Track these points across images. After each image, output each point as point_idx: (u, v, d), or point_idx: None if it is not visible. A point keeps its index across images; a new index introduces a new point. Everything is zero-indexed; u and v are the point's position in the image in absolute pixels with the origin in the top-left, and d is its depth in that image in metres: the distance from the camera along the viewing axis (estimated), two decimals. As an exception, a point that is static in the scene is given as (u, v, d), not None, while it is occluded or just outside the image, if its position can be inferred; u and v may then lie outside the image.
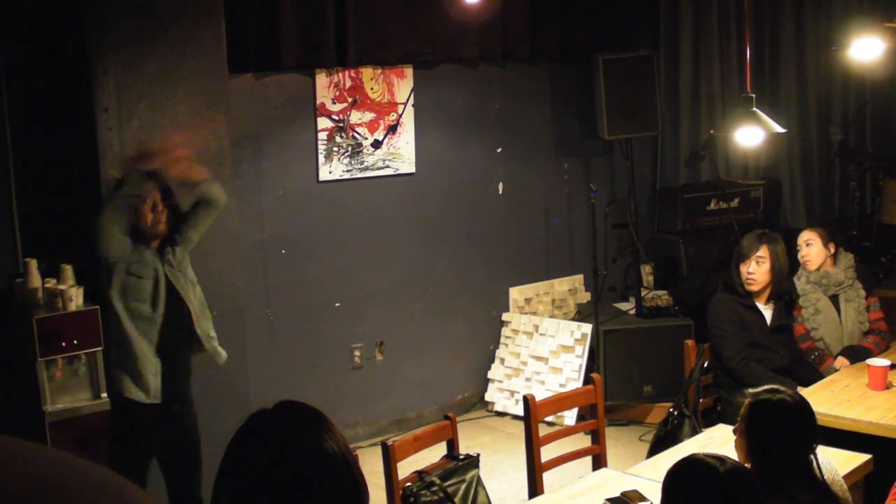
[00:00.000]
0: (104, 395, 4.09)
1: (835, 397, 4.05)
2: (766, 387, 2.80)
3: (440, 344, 6.12)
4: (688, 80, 6.66)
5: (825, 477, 2.65)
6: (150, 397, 3.85)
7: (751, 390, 2.84)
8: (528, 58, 6.22)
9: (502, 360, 6.26)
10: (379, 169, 5.74)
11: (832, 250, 4.88)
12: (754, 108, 4.30)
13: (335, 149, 5.57)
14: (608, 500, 3.10)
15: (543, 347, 6.09)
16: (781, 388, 2.76)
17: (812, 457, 2.63)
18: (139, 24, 4.28)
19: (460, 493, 3.44)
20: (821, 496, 2.60)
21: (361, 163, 5.67)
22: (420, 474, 3.40)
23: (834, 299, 4.84)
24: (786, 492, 2.56)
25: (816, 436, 2.66)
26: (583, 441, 4.06)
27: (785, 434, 2.63)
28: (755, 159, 6.78)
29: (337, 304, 5.68)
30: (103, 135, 4.24)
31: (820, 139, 7.00)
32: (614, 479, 3.34)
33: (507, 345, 6.28)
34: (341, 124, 5.57)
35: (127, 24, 4.25)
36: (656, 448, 4.14)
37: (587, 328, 5.98)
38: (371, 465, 4.32)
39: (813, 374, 4.60)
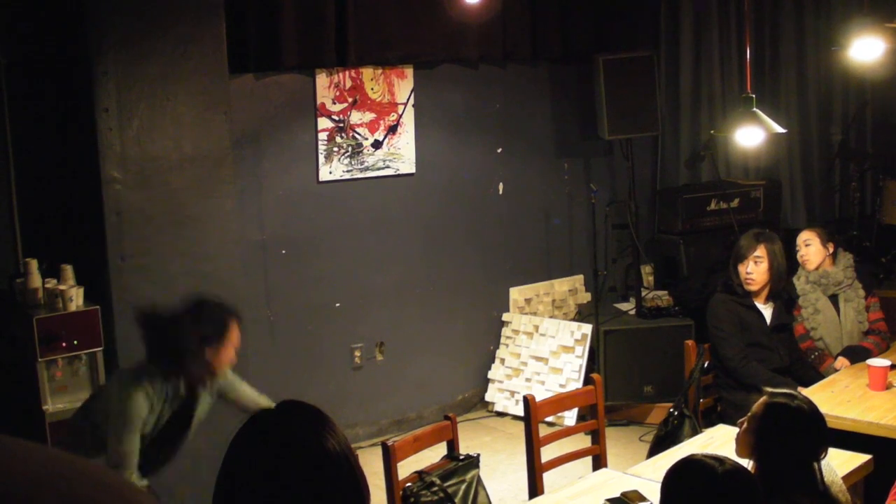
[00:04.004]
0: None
1: (835, 397, 4.04)
2: (784, 390, 2.80)
3: (440, 344, 6.12)
4: (688, 81, 6.66)
5: (825, 478, 2.65)
6: None
7: (769, 389, 2.82)
8: (529, 58, 6.22)
9: (502, 361, 6.26)
10: (379, 169, 5.74)
11: (831, 250, 4.88)
12: (754, 109, 4.30)
13: (335, 149, 5.57)
14: (608, 500, 3.10)
15: (544, 348, 6.09)
16: (799, 395, 2.75)
17: (816, 464, 2.62)
18: (139, 25, 4.28)
19: (460, 493, 3.44)
20: (820, 501, 2.60)
21: (362, 163, 5.67)
22: (420, 474, 3.40)
23: (833, 299, 4.84)
24: (785, 495, 2.56)
25: (826, 446, 2.66)
26: (583, 441, 4.06)
27: (795, 441, 2.62)
28: (755, 160, 6.78)
29: (337, 305, 5.68)
30: (103, 135, 4.24)
31: (820, 139, 7.00)
32: (614, 480, 3.34)
33: (507, 345, 6.28)
34: (341, 124, 5.57)
35: (127, 24, 4.25)
36: (656, 448, 4.14)
37: (587, 328, 5.97)
38: (371, 466, 4.32)
39: (813, 374, 4.60)
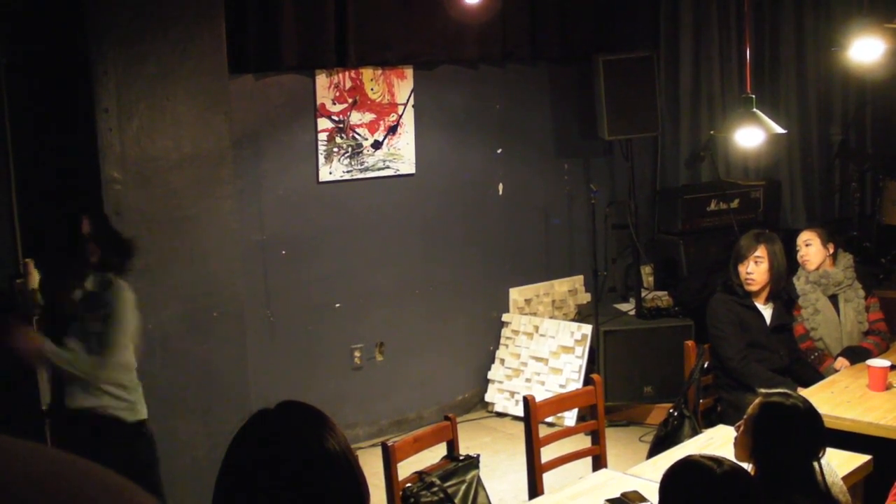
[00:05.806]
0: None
1: (835, 398, 4.04)
2: (778, 389, 2.80)
3: (440, 345, 6.12)
4: (688, 81, 6.66)
5: (826, 479, 2.65)
6: None
7: (763, 390, 2.83)
8: (528, 58, 6.22)
9: (502, 361, 6.26)
10: (379, 170, 5.74)
11: (831, 250, 4.88)
12: (754, 109, 4.30)
13: (335, 149, 5.57)
14: (608, 500, 3.10)
15: (543, 348, 6.09)
16: (793, 394, 2.76)
17: (816, 464, 2.62)
18: (139, 24, 4.28)
19: (460, 493, 3.44)
20: (821, 502, 2.60)
21: (361, 163, 5.67)
22: (420, 475, 3.40)
23: (833, 299, 4.84)
24: (786, 496, 2.56)
25: (824, 444, 2.66)
26: (583, 442, 4.06)
27: (792, 440, 2.62)
28: (755, 160, 6.78)
29: (337, 305, 5.68)
30: (103, 135, 4.24)
31: (820, 140, 7.00)
32: (614, 480, 3.34)
33: (507, 345, 6.28)
34: (341, 125, 5.57)
35: (127, 24, 4.25)
36: (656, 449, 4.14)
37: (587, 329, 5.97)
38: (371, 466, 4.31)
39: (813, 375, 4.60)
